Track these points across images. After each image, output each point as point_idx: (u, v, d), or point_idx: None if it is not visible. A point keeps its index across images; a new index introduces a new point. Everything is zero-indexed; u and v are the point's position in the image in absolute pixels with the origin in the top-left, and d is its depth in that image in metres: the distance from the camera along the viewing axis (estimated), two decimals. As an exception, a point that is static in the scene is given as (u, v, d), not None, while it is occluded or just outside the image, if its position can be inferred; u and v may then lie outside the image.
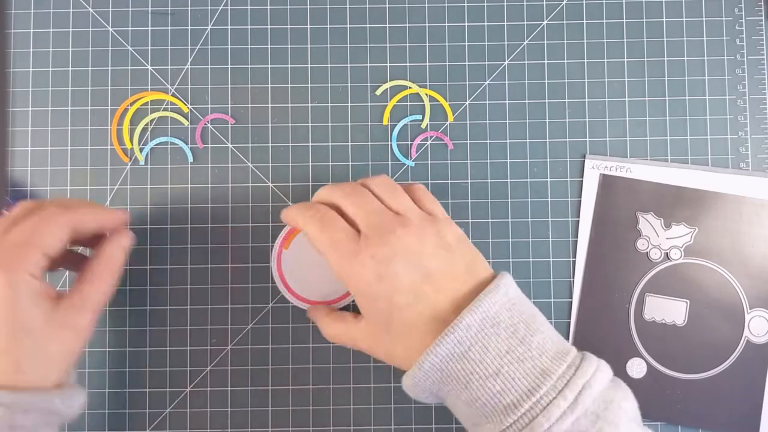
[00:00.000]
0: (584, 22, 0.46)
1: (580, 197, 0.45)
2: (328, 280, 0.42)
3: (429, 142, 0.46)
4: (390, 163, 0.45)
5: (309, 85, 0.46)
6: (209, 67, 0.46)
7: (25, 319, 0.33)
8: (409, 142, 0.46)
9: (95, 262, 0.37)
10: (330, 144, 0.46)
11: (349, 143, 0.46)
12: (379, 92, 0.45)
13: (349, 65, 0.46)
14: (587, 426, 0.31)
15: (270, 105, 0.46)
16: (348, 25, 0.46)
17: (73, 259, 0.41)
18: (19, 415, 0.32)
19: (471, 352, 0.33)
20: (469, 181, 0.46)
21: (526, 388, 0.32)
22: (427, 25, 0.46)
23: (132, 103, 0.45)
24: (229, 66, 0.46)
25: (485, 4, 0.46)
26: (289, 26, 0.46)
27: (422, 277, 0.35)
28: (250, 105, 0.46)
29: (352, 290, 0.36)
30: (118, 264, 0.38)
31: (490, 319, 0.34)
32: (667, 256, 0.45)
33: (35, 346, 0.33)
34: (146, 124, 0.45)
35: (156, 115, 0.45)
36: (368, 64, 0.46)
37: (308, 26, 0.46)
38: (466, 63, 0.46)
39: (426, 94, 0.45)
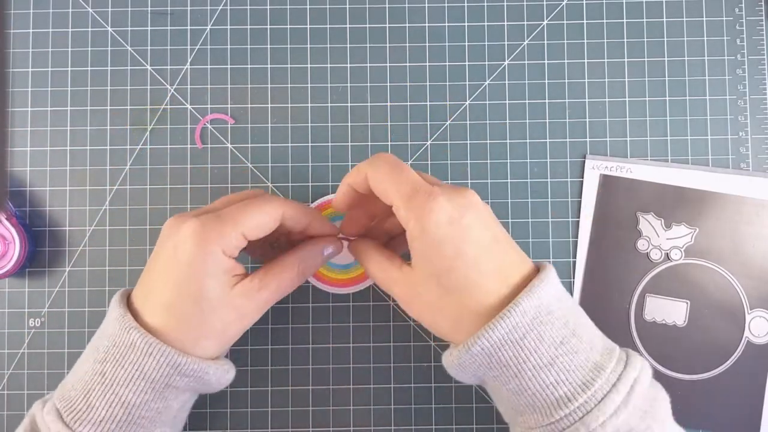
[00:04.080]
0: (584, 22, 0.46)
1: (581, 197, 0.45)
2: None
3: (429, 143, 0.46)
4: (390, 163, 0.45)
5: (308, 85, 0.46)
6: (209, 67, 0.46)
7: (202, 290, 0.34)
8: (409, 143, 0.46)
9: (288, 256, 0.37)
10: (330, 144, 0.46)
11: (349, 143, 0.46)
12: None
13: (348, 65, 0.46)
14: (637, 422, 0.31)
15: (269, 105, 0.46)
16: (348, 25, 0.46)
17: (273, 255, 0.40)
18: (178, 376, 0.34)
19: (526, 339, 0.32)
20: (469, 181, 0.45)
21: (581, 381, 0.32)
22: (427, 25, 0.46)
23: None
24: (229, 66, 0.46)
25: (485, 4, 0.46)
26: (288, 26, 0.46)
27: (491, 238, 0.34)
28: (249, 105, 0.46)
29: (414, 231, 0.34)
30: (312, 266, 0.38)
31: (545, 307, 0.33)
32: (667, 257, 0.45)
33: (200, 316, 0.34)
34: (145, 125, 0.45)
35: (155, 115, 0.45)
36: (368, 64, 0.46)
37: (308, 26, 0.46)
38: (466, 63, 0.46)
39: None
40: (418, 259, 0.34)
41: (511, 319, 0.32)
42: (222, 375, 0.36)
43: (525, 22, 0.46)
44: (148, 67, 0.46)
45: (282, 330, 0.45)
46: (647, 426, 0.31)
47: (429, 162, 0.45)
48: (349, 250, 0.40)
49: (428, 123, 0.46)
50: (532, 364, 0.32)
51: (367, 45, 0.46)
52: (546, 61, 0.46)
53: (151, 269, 0.35)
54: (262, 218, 0.35)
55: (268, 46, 0.46)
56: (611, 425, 0.31)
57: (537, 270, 0.35)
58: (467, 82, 0.46)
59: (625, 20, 0.46)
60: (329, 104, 0.46)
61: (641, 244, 0.45)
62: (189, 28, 0.46)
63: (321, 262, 0.39)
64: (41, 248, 0.45)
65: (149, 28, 0.46)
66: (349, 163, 0.45)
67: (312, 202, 0.45)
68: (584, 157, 0.46)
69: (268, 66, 0.46)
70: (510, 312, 0.32)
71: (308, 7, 0.46)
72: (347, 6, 0.46)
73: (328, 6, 0.46)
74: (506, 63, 0.46)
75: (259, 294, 0.35)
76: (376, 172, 0.35)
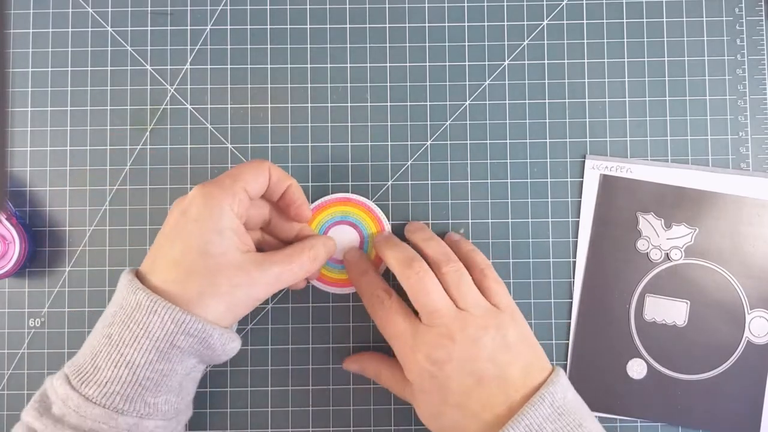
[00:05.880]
0: (584, 22, 0.46)
1: (581, 198, 0.45)
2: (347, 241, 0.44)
3: (429, 143, 0.46)
4: (390, 163, 0.45)
5: (308, 85, 0.46)
6: (209, 67, 0.46)
7: (208, 245, 0.35)
8: (409, 143, 0.46)
9: (299, 243, 0.40)
10: (330, 144, 0.46)
11: (349, 143, 0.46)
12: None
13: (348, 65, 0.46)
14: None
15: (269, 105, 0.46)
16: (348, 25, 0.46)
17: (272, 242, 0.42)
18: (182, 335, 0.34)
19: None
20: (469, 181, 0.45)
21: None
22: (427, 25, 0.46)
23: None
24: (229, 66, 0.46)
25: (485, 4, 0.46)
26: (288, 26, 0.46)
27: (475, 382, 0.36)
28: (249, 105, 0.46)
29: (407, 376, 0.38)
30: (321, 254, 0.40)
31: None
32: (667, 257, 0.45)
33: (207, 270, 0.35)
34: (145, 125, 0.45)
35: (155, 115, 0.45)
36: (368, 64, 0.46)
37: (308, 26, 0.46)
38: (466, 63, 0.46)
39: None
40: (416, 396, 0.38)
41: None
42: (227, 342, 0.36)
43: (525, 22, 0.46)
44: (148, 67, 0.46)
45: (282, 330, 0.45)
46: None
47: (429, 162, 0.45)
48: (345, 258, 0.43)
49: (428, 123, 0.46)
50: None
51: (367, 45, 0.46)
52: (546, 61, 0.46)
53: (159, 236, 0.37)
54: (256, 172, 0.37)
55: (268, 46, 0.46)
56: None
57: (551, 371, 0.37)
58: (467, 82, 0.46)
59: (625, 20, 0.46)
60: (329, 104, 0.46)
61: (641, 244, 0.45)
62: (189, 28, 0.46)
63: (329, 251, 0.41)
64: (41, 248, 0.45)
65: (149, 28, 0.46)
66: (349, 164, 0.45)
67: (312, 203, 0.45)
68: (584, 157, 0.46)
69: (268, 66, 0.46)
70: None
71: (308, 7, 0.46)
72: (347, 6, 0.46)
73: (328, 6, 0.46)
74: (506, 63, 0.46)
75: (271, 267, 0.36)
76: (369, 307, 0.40)
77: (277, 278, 0.37)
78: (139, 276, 0.36)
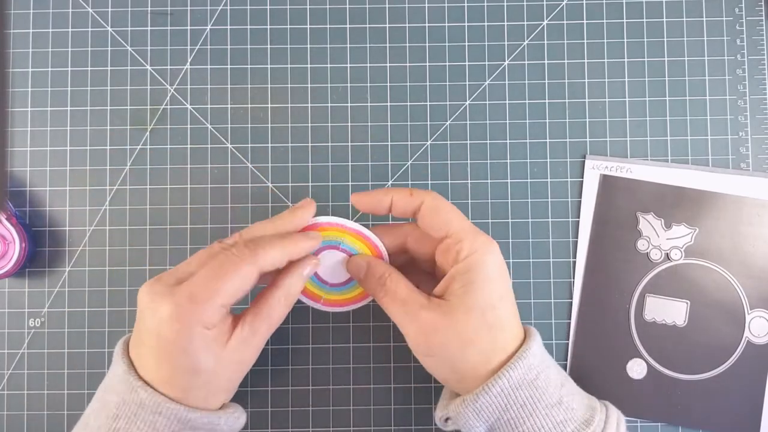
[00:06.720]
0: (584, 22, 0.46)
1: (581, 198, 0.45)
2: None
3: (429, 143, 0.46)
4: (390, 163, 0.45)
5: (309, 85, 0.46)
6: (209, 67, 0.46)
7: (196, 364, 0.34)
8: (409, 143, 0.46)
9: (272, 293, 0.36)
10: (330, 144, 0.46)
11: (349, 143, 0.46)
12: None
13: (348, 65, 0.46)
14: None
15: (269, 105, 0.46)
16: (348, 25, 0.46)
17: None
18: (188, 430, 0.34)
19: (538, 380, 0.35)
20: (469, 181, 0.45)
21: (583, 419, 0.35)
22: (427, 25, 0.46)
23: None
24: (229, 66, 0.46)
25: (485, 4, 0.46)
26: (288, 26, 0.46)
27: (510, 289, 0.37)
28: (249, 105, 0.46)
29: (476, 263, 0.35)
30: (295, 294, 0.37)
31: (545, 354, 0.37)
32: (667, 257, 0.45)
33: (203, 382, 0.34)
34: (145, 125, 0.45)
35: (155, 115, 0.45)
36: (368, 64, 0.46)
37: (308, 26, 0.46)
38: (466, 63, 0.46)
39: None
40: (466, 291, 0.35)
41: (527, 360, 0.34)
42: (233, 422, 0.36)
43: (525, 22, 0.46)
44: (148, 67, 0.46)
45: (282, 330, 0.45)
46: None
47: (429, 162, 0.45)
48: (350, 266, 0.38)
49: (428, 123, 0.46)
50: (544, 404, 0.34)
51: (367, 45, 0.46)
52: (546, 61, 0.46)
53: (142, 340, 0.34)
54: (238, 284, 0.34)
55: (268, 46, 0.46)
56: None
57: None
58: (467, 82, 0.46)
59: (625, 20, 0.46)
60: (329, 104, 0.46)
61: (641, 244, 0.45)
62: (189, 28, 0.46)
63: (303, 285, 0.38)
64: (41, 248, 0.45)
65: (149, 28, 0.46)
66: (349, 164, 0.45)
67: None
68: (584, 157, 0.46)
69: (268, 66, 0.46)
70: (525, 354, 0.35)
71: (308, 7, 0.46)
72: (347, 6, 0.46)
73: (328, 6, 0.46)
74: (506, 63, 0.46)
75: (253, 340, 0.35)
76: (439, 201, 0.37)
77: (262, 344, 0.36)
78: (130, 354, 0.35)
